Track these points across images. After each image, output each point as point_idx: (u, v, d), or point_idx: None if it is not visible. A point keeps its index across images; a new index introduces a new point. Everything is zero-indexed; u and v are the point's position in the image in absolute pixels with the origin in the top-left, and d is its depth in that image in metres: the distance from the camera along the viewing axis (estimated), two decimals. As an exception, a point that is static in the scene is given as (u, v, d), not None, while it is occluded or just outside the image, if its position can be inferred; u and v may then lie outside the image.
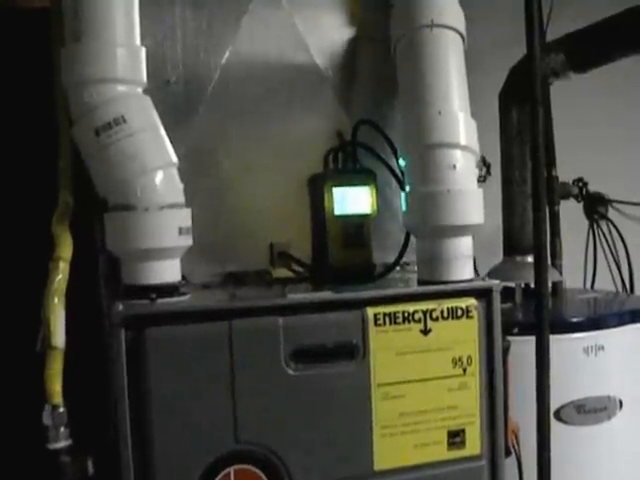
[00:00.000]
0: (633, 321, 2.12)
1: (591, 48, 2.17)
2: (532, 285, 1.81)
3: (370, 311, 1.44)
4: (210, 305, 1.42)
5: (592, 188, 2.79)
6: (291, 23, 1.76)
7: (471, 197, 1.53)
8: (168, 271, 1.44)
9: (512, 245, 2.37)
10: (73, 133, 1.45)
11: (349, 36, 1.82)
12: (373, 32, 1.79)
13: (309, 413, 1.41)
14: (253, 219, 1.72)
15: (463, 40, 1.62)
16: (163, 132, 1.46)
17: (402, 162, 1.61)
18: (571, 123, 2.82)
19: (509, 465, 1.65)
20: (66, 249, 1.52)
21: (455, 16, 1.61)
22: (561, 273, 2.50)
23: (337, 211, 1.65)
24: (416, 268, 1.62)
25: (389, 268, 1.64)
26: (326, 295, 1.46)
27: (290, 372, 1.39)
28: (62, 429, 1.48)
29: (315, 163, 1.73)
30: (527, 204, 2.29)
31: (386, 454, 1.45)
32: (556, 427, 1.88)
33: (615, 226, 2.84)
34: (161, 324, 1.33)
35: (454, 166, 1.52)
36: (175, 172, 1.46)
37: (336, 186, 1.65)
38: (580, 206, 2.83)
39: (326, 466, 1.42)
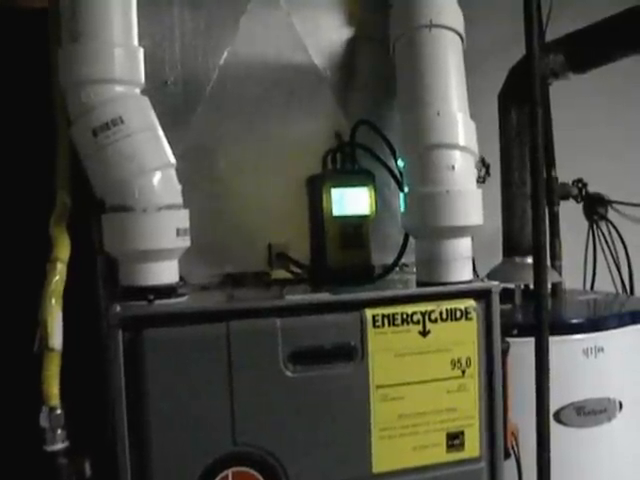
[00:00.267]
0: (633, 322, 2.11)
1: (590, 48, 2.17)
2: (531, 286, 1.81)
3: (369, 312, 1.44)
4: (208, 306, 1.42)
5: (592, 189, 2.78)
6: (289, 23, 1.75)
7: (470, 198, 1.53)
8: (166, 272, 1.44)
9: (511, 246, 2.37)
10: (71, 133, 1.44)
11: (348, 36, 1.81)
12: (372, 32, 1.79)
13: (307, 415, 1.40)
14: (251, 220, 1.72)
15: (462, 40, 1.61)
16: (161, 133, 1.45)
17: (401, 163, 1.60)
18: (571, 124, 2.81)
19: (508, 467, 1.65)
20: (63, 250, 1.52)
21: (454, 16, 1.60)
22: (561, 274, 2.50)
23: (335, 212, 1.64)
24: (415, 269, 1.61)
25: (388, 269, 1.63)
26: (324, 296, 1.45)
27: (288, 374, 1.39)
28: (59, 431, 1.47)
29: (314, 164, 1.72)
30: (526, 205, 2.28)
31: (385, 456, 1.45)
32: (556, 429, 1.87)
33: (615, 227, 2.83)
34: (159, 325, 1.33)
35: (453, 167, 1.51)
36: (173, 173, 1.46)
37: (335, 187, 1.65)
38: (580, 207, 2.83)
39: (324, 468, 1.41)
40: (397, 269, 1.67)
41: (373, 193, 1.67)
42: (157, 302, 1.38)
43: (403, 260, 1.62)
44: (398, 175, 1.63)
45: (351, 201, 1.66)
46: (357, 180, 1.67)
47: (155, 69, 1.63)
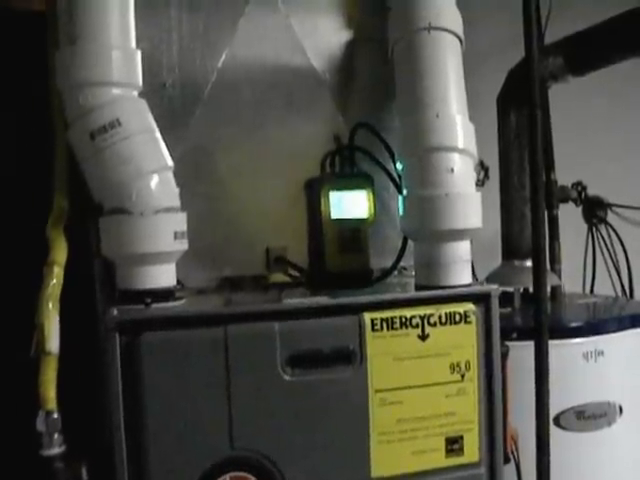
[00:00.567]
0: (633, 326, 2.11)
1: (590, 51, 2.17)
2: (531, 290, 1.80)
3: (367, 316, 1.43)
4: (206, 310, 1.41)
5: (591, 192, 2.77)
6: (288, 26, 1.75)
7: (469, 201, 1.52)
8: (163, 276, 1.43)
9: (511, 249, 2.37)
10: (68, 136, 1.44)
11: (346, 39, 1.81)
12: (370, 35, 1.78)
13: (305, 419, 1.40)
14: (249, 223, 1.71)
15: (461, 43, 1.61)
16: (159, 135, 1.45)
17: (399, 166, 1.60)
18: (570, 126, 2.81)
19: (508, 472, 1.64)
20: (61, 253, 1.51)
21: (453, 19, 1.60)
22: (560, 277, 2.49)
23: (334, 215, 1.64)
24: (414, 273, 1.61)
25: (386, 273, 1.63)
26: (323, 300, 1.45)
27: (286, 378, 1.38)
28: (56, 435, 1.46)
29: (312, 167, 1.72)
30: (526, 208, 2.28)
31: (383, 461, 1.44)
32: (556, 433, 1.87)
33: (614, 230, 2.83)
34: (156, 329, 1.33)
35: (452, 170, 1.51)
36: (171, 176, 1.46)
37: (333, 190, 1.64)
38: (579, 210, 2.82)
39: (322, 473, 1.41)
40: (396, 272, 1.66)
41: (372, 196, 1.67)
42: (154, 306, 1.38)
43: (402, 263, 1.62)
44: (397, 178, 1.62)
45: (349, 204, 1.65)
46: (356, 183, 1.67)
47: (153, 72, 1.63)
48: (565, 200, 2.66)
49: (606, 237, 2.84)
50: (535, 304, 1.64)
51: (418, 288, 1.56)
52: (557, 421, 1.96)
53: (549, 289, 2.23)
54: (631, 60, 2.09)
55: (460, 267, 1.53)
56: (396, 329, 1.44)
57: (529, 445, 1.66)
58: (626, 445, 2.10)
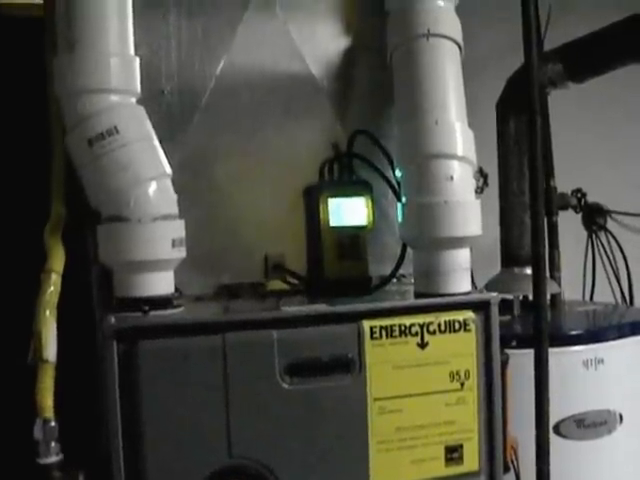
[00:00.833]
0: (633, 334, 2.11)
1: (589, 57, 2.17)
2: (530, 297, 1.79)
3: (366, 324, 1.42)
4: (203, 318, 1.41)
5: (591, 199, 2.77)
6: (286, 32, 1.74)
7: (469, 208, 1.52)
8: (161, 283, 1.43)
9: (510, 257, 2.36)
10: (66, 143, 1.44)
11: (345, 45, 1.80)
12: (369, 41, 1.78)
13: (304, 428, 1.39)
14: (248, 230, 1.71)
15: (460, 49, 1.61)
16: (157, 142, 1.45)
17: (398, 173, 1.60)
18: (569, 133, 2.81)
19: (508, 481, 1.63)
20: (58, 261, 1.51)
21: (452, 25, 1.60)
22: (560, 285, 2.49)
23: (332, 222, 1.63)
24: (413, 280, 1.60)
25: (385, 280, 1.63)
26: (321, 308, 1.44)
27: (285, 386, 1.38)
28: (53, 443, 1.46)
29: (311, 174, 1.71)
30: (525, 215, 2.28)
31: (383, 470, 1.43)
32: (556, 442, 1.86)
33: (614, 237, 2.83)
34: (154, 337, 1.32)
35: (451, 177, 1.51)
36: (169, 183, 1.45)
37: (332, 197, 1.63)
38: (579, 217, 2.82)
39: (321, 482, 1.40)
40: (395, 280, 1.66)
41: (370, 203, 1.66)
42: (152, 313, 1.38)
43: (401, 271, 1.62)
44: (396, 185, 1.62)
45: (348, 212, 1.65)
46: (354, 190, 1.66)
47: (151, 78, 1.62)
48: (565, 207, 2.66)
49: (606, 244, 2.84)
50: (535, 312, 1.63)
51: (417, 296, 1.56)
52: (557, 429, 1.96)
53: (549, 297, 2.22)
54: (630, 66, 2.09)
55: (459, 275, 1.53)
56: (395, 337, 1.44)
57: (529, 454, 1.65)
58: (627, 453, 2.09)
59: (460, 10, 1.62)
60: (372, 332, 1.42)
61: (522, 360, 1.66)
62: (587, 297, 2.83)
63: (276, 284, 1.71)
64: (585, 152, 3.03)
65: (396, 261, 1.60)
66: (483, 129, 1.70)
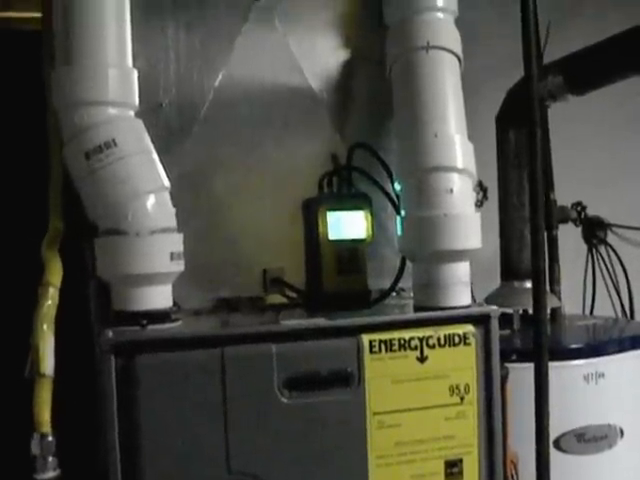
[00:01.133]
0: (633, 348, 2.10)
1: (589, 70, 2.17)
2: (530, 311, 1.79)
3: (365, 338, 1.42)
4: (202, 332, 1.41)
5: (591, 212, 2.77)
6: (285, 45, 1.74)
7: (468, 221, 1.52)
8: (159, 297, 1.42)
9: (510, 270, 2.36)
10: (64, 155, 1.43)
11: (344, 58, 1.80)
12: (368, 54, 1.78)
13: (303, 442, 1.39)
14: (246, 244, 1.71)
15: (460, 62, 1.61)
16: (155, 156, 1.44)
17: (398, 186, 1.59)
18: (569, 146, 2.80)
19: (508, 496, 1.62)
20: (56, 274, 1.51)
21: (451, 38, 1.60)
22: (560, 299, 2.48)
23: (331, 236, 1.62)
24: (412, 294, 1.60)
25: (384, 294, 1.62)
26: (320, 322, 1.44)
27: (284, 400, 1.37)
28: (50, 458, 1.45)
29: (310, 187, 1.71)
30: (525, 228, 2.28)
31: (382, 485, 1.43)
32: (556, 456, 1.85)
33: (614, 250, 2.82)
34: (152, 351, 1.32)
35: (451, 190, 1.50)
36: (167, 196, 1.45)
37: (330, 210, 1.63)
38: (579, 230, 2.82)
39: (320, 497, 1.39)
40: (394, 294, 1.65)
41: (370, 217, 1.66)
42: (150, 327, 1.37)
43: (400, 285, 1.61)
44: (395, 198, 1.61)
45: (347, 225, 1.64)
46: (353, 204, 1.65)
47: (150, 91, 1.62)
48: (565, 220, 2.66)
49: (606, 258, 2.83)
50: (535, 326, 1.62)
51: (417, 309, 1.55)
52: (557, 444, 1.95)
53: (549, 310, 2.21)
54: (631, 79, 2.08)
55: (459, 288, 1.52)
56: (394, 351, 1.43)
57: (529, 468, 1.64)
58: (627, 468, 2.08)
59: (459, 22, 1.62)
60: (371, 346, 1.42)
61: (522, 374, 1.65)
62: (587, 311, 2.82)
63: (275, 298, 1.71)
64: (585, 165, 3.03)
65: (395, 274, 1.59)
66: (483, 142, 1.70)
